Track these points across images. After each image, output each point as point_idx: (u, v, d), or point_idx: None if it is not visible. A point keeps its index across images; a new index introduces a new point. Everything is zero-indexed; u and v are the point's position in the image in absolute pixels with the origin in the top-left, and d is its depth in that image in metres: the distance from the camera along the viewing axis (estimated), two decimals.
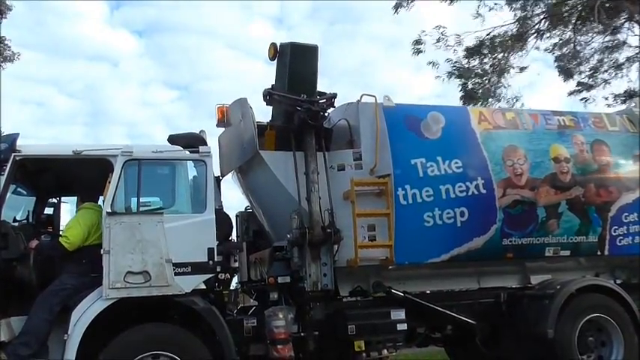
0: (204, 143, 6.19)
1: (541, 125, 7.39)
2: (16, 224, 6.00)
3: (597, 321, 6.95)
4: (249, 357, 6.10)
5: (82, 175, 6.11)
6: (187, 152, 6.03)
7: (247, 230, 7.32)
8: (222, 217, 6.23)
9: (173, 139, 6.18)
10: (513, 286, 7.30)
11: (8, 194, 5.62)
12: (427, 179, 6.59)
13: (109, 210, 5.57)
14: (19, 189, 6.21)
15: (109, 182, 5.72)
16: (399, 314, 6.39)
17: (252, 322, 6.11)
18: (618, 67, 14.67)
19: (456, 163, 6.74)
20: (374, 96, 6.76)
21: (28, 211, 6.39)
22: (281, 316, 5.93)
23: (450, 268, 6.90)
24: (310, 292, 6.23)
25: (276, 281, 6.26)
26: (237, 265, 6.34)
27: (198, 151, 6.02)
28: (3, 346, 5.33)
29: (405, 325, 6.40)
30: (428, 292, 6.93)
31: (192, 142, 6.14)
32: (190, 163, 6.09)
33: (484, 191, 6.74)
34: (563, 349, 6.66)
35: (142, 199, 5.74)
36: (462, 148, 6.89)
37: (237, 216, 7.42)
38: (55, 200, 6.70)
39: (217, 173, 7.00)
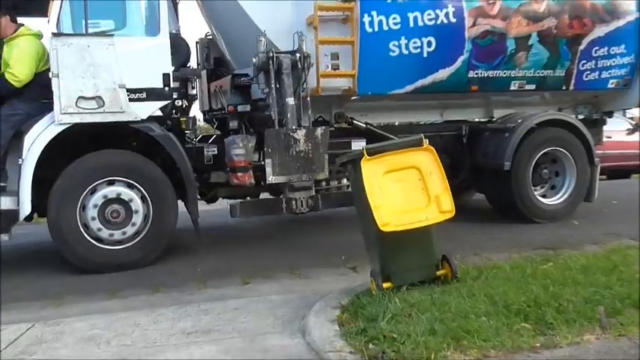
0: None
1: None
2: None
3: (553, 153, 7.11)
4: (210, 184, 6.18)
5: None
6: None
7: (208, 58, 7.01)
8: (178, 42, 5.96)
9: None
10: (476, 120, 7.33)
11: None
12: (395, 5, 6.22)
13: (55, 31, 5.26)
14: None
15: (52, 0, 5.33)
16: (359, 144, 6.35)
17: (213, 151, 6.11)
18: None
19: None
20: None
21: None
22: (241, 144, 5.88)
23: (414, 100, 6.83)
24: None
25: (235, 110, 6.15)
26: (195, 92, 6.16)
27: None
28: None
29: None
30: (389, 124, 6.91)
31: None
32: None
33: (454, 20, 6.43)
34: (518, 181, 6.87)
35: (90, 20, 5.39)
36: None
37: (197, 43, 7.09)
38: None
39: None
